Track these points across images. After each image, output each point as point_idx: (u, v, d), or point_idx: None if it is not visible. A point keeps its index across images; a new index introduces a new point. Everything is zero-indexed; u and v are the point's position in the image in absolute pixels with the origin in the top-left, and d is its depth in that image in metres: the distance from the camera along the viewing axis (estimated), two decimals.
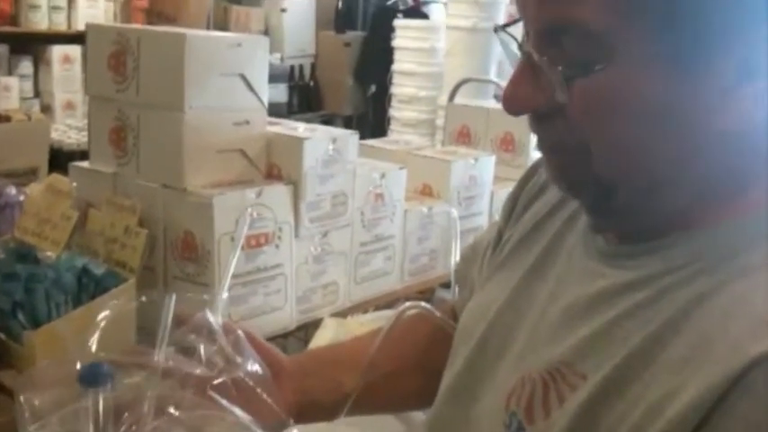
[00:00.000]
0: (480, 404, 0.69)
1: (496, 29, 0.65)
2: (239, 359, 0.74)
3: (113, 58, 1.41)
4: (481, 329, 0.73)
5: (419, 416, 1.08)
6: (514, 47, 0.62)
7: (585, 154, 0.59)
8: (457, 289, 0.94)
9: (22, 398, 0.68)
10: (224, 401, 0.69)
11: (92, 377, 0.69)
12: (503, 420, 0.64)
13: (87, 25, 1.49)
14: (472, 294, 0.83)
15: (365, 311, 1.68)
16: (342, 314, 1.58)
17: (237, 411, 0.69)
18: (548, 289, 0.69)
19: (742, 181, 0.59)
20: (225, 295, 0.79)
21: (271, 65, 5.18)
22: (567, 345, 0.62)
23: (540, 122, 0.62)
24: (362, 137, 1.96)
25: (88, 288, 1.30)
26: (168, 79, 1.34)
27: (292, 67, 5.09)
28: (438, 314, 0.89)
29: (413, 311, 0.89)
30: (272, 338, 1.48)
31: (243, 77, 1.40)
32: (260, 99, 1.43)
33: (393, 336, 0.87)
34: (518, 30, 0.64)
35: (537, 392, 0.61)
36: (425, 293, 1.82)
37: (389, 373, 0.89)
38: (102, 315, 0.79)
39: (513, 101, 0.61)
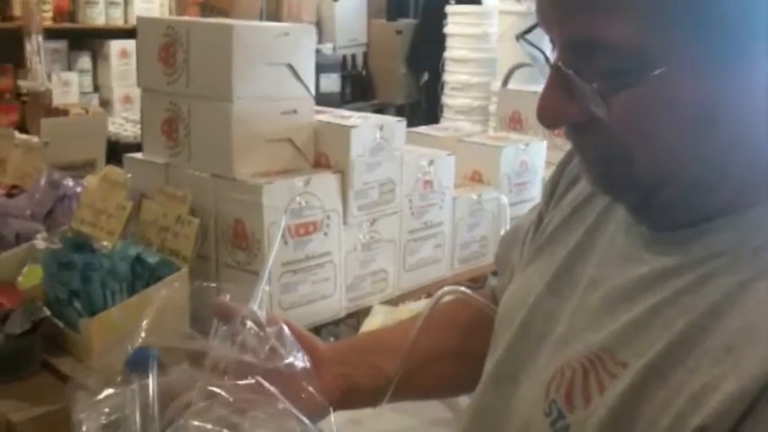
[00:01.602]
0: (521, 391, 0.69)
1: (518, 37, 0.64)
2: (283, 350, 0.75)
3: (164, 51, 1.43)
4: (522, 315, 0.72)
5: (466, 401, 1.07)
6: (540, 56, 0.61)
7: (628, 160, 0.58)
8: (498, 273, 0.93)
9: (73, 383, 0.70)
10: (270, 387, 0.70)
11: (139, 362, 0.71)
12: (543, 408, 0.63)
13: (138, 18, 1.52)
14: (512, 278, 0.82)
15: (418, 299, 1.68)
16: (392, 302, 1.58)
17: (281, 398, 0.70)
18: (589, 273, 0.68)
19: None
20: (266, 288, 0.79)
21: (323, 55, 5.18)
22: (607, 331, 0.61)
23: (579, 134, 0.61)
24: (416, 125, 1.96)
25: (142, 276, 1.33)
26: (217, 70, 1.36)
27: (344, 57, 5.10)
28: (479, 298, 0.88)
29: (451, 296, 0.88)
30: (322, 326, 1.50)
31: (290, 67, 1.41)
32: (307, 88, 1.44)
33: (434, 321, 0.87)
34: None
35: (577, 380, 0.61)
36: (477, 281, 1.82)
37: (431, 359, 0.88)
38: (152, 307, 0.81)
39: (547, 114, 0.60)
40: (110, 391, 0.70)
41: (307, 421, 0.68)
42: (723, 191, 0.59)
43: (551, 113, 0.60)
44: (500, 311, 0.78)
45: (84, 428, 0.68)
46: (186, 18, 1.47)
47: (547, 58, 0.60)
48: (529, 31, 0.63)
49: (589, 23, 0.55)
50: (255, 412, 0.69)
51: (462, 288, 0.90)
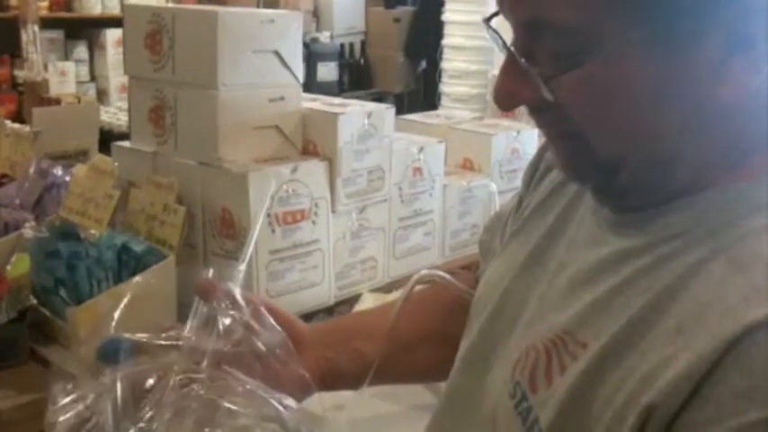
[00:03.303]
0: (493, 374, 0.69)
1: (485, 21, 0.64)
2: (258, 328, 0.75)
3: (150, 38, 1.42)
4: (495, 299, 0.72)
5: None
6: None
7: (585, 140, 0.59)
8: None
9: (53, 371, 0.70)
10: (239, 374, 0.70)
11: (110, 353, 0.71)
12: (508, 390, 0.63)
13: (124, 6, 1.51)
14: None
15: None
16: (382, 290, 1.57)
17: (252, 382, 0.69)
18: (558, 257, 0.68)
19: (743, 149, 0.58)
20: (243, 267, 0.79)
21: (321, 43, 5.13)
22: (570, 313, 0.61)
23: (536, 114, 0.62)
24: (414, 113, 1.96)
25: (129, 265, 1.33)
26: (202, 57, 1.35)
27: (342, 45, 5.08)
28: (456, 283, 0.89)
29: (427, 281, 0.88)
30: (314, 314, 1.50)
31: (277, 54, 1.40)
32: (294, 75, 1.44)
33: (416, 305, 0.88)
34: None
35: (540, 362, 0.61)
36: (469, 269, 1.81)
37: (410, 343, 0.89)
38: (130, 293, 0.81)
39: (502, 96, 0.61)
40: (84, 382, 0.70)
41: (281, 407, 0.68)
42: (678, 172, 0.59)
43: (506, 95, 0.61)
44: (475, 296, 0.79)
45: (59, 420, 0.68)
46: (171, 5, 1.46)
47: (504, 42, 0.61)
48: (493, 16, 0.64)
49: (536, 4, 0.56)
50: (233, 399, 0.69)
51: (439, 273, 0.90)
